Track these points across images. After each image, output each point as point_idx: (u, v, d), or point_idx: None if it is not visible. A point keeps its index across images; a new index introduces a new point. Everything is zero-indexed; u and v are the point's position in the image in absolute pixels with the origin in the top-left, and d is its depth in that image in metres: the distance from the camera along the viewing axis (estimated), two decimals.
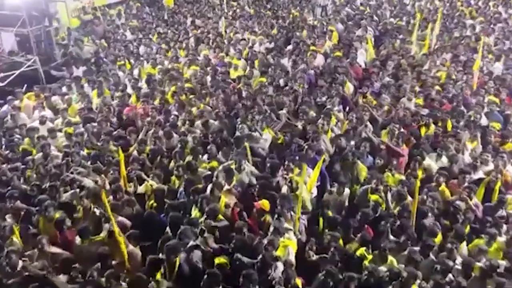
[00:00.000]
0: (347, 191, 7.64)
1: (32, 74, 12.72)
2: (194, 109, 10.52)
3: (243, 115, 9.75)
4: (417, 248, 6.50)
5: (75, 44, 14.38)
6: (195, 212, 6.77)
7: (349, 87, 11.35)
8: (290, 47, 14.14)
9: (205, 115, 9.97)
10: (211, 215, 6.54)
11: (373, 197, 7.36)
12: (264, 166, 8.21)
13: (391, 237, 6.78)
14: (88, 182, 7.71)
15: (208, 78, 12.09)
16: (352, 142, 8.76)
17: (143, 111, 10.31)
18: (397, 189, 7.56)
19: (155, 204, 7.57)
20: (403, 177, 8.26)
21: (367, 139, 8.97)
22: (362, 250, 6.24)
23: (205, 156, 8.57)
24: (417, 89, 11.51)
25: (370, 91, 11.32)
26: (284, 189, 7.37)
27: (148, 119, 9.94)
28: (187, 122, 9.73)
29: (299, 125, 9.56)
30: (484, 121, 10.34)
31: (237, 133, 8.99)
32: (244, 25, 16.31)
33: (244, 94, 11.05)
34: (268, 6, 19.39)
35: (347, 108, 10.82)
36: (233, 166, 7.82)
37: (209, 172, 7.83)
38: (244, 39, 14.60)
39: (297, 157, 7.92)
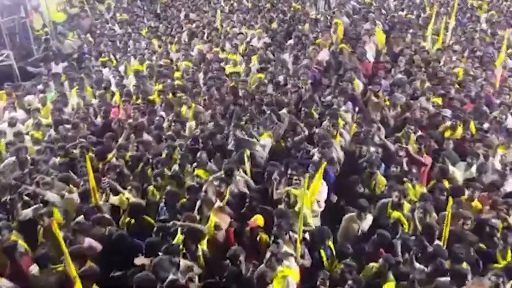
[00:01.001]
0: (369, 218, 6.36)
1: (5, 70, 11.48)
2: (183, 109, 9.34)
3: (238, 116, 8.53)
4: (446, 279, 5.31)
5: (55, 38, 13.15)
6: (178, 236, 5.53)
7: (358, 85, 10.13)
8: (291, 41, 12.93)
9: (201, 117, 8.75)
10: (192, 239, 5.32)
11: (395, 214, 6.14)
12: (262, 177, 7.00)
13: (417, 264, 5.58)
14: (51, 196, 6.49)
15: (201, 75, 10.90)
16: (373, 149, 7.52)
17: (124, 111, 9.09)
18: (421, 204, 6.35)
19: (132, 221, 6.35)
20: (425, 190, 7.09)
21: (381, 144, 7.76)
22: (391, 286, 5.03)
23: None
24: (430, 86, 10.33)
25: (382, 89, 10.13)
26: (282, 205, 6.17)
27: (130, 120, 8.72)
28: (173, 124, 8.48)
29: (303, 127, 8.35)
30: (511, 122, 9.17)
31: (230, 140, 7.79)
32: (241, 18, 15.08)
33: (240, 92, 9.84)
34: None
35: (356, 109, 9.63)
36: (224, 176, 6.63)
37: (195, 183, 6.63)
38: (242, 33, 13.39)
39: (310, 166, 6.69)
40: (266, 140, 7.79)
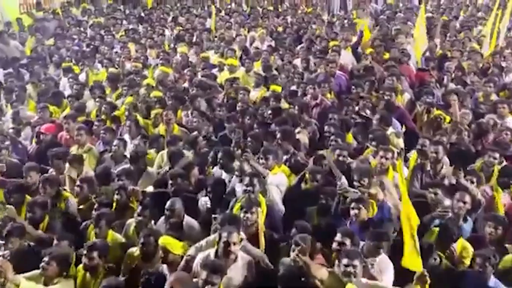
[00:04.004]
0: None
1: None
2: (161, 129, 6.50)
3: (236, 141, 5.68)
4: None
5: None
6: None
7: (404, 96, 7.28)
8: (302, 45, 10.17)
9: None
10: None
11: None
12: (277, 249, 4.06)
13: None
14: None
15: (185, 84, 8.12)
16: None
17: (67, 133, 6.24)
18: None
19: None
20: None
21: (463, 187, 4.82)
22: None
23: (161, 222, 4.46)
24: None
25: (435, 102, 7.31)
26: None
27: (73, 148, 5.87)
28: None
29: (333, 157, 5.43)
30: None
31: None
32: (239, 20, 12.37)
33: (239, 107, 6.97)
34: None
35: (403, 128, 6.76)
36: (212, 252, 3.70)
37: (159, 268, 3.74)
38: (240, 35, 10.65)
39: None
40: (279, 178, 4.85)
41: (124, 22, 13.17)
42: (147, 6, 15.93)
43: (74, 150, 5.94)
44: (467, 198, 4.62)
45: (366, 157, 5.25)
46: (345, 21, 12.26)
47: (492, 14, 10.63)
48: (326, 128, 5.94)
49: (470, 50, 9.59)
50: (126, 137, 6.39)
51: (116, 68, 8.91)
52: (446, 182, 5.08)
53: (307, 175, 4.81)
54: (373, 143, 5.28)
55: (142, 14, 14.51)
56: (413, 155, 5.91)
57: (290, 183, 4.92)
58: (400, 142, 5.99)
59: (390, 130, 6.07)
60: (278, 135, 5.38)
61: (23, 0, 13.89)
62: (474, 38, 10.85)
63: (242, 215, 4.03)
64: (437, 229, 4.44)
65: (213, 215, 4.23)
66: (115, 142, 5.88)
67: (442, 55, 9.59)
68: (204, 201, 4.67)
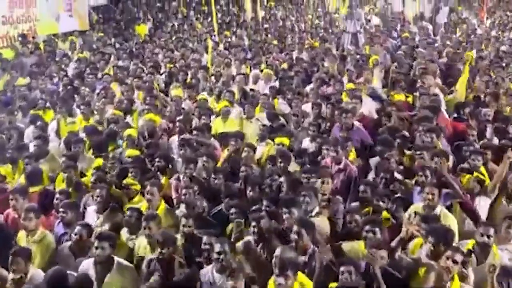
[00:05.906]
0: None
1: None
2: (143, 206, 5.03)
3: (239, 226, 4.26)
4: None
5: None
6: None
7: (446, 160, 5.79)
8: (311, 85, 8.77)
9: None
10: None
11: None
12: None
13: None
14: None
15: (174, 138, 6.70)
16: None
17: (14, 212, 4.77)
18: None
19: None
20: None
21: None
22: None
23: None
24: None
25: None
26: None
27: (21, 235, 4.41)
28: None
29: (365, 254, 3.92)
30: None
31: None
32: (240, 56, 11.07)
33: (243, 172, 5.46)
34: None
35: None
36: None
37: None
38: (243, 74, 9.29)
39: None
40: None
41: (112, 58, 11.82)
42: (140, 39, 14.76)
43: (21, 237, 4.46)
44: None
45: (419, 259, 3.76)
46: (359, 56, 10.94)
47: None
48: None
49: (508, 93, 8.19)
50: (91, 209, 4.94)
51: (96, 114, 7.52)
52: None
53: None
54: (431, 239, 3.77)
55: (134, 49, 13.26)
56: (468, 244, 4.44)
57: None
58: (454, 224, 4.49)
59: (438, 208, 4.59)
60: (295, 228, 3.87)
61: (2, 33, 12.61)
62: (507, 77, 9.51)
63: None
64: None
65: None
66: (77, 229, 4.36)
67: (476, 99, 8.19)
68: None
